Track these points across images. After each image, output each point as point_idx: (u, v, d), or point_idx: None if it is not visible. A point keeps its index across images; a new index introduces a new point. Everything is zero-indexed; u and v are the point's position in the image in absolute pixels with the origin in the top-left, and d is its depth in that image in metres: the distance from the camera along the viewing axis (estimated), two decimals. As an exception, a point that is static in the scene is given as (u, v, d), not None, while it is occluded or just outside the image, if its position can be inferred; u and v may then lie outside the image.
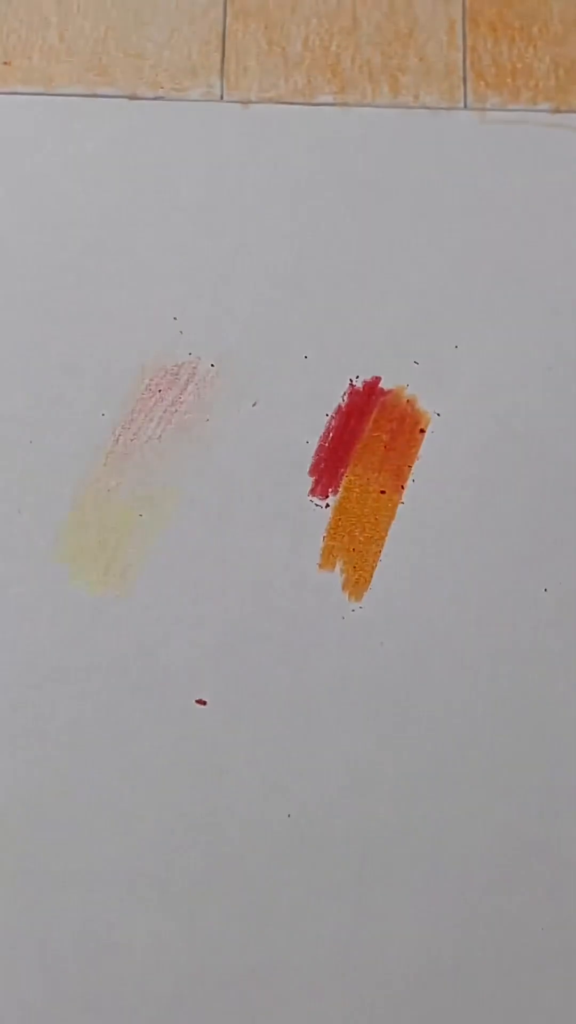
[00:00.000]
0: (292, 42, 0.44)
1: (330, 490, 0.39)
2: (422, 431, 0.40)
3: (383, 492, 0.39)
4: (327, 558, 0.39)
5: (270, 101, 0.43)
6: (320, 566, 0.38)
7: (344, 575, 0.38)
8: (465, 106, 0.43)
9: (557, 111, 0.43)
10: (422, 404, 0.40)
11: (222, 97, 0.43)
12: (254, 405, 0.40)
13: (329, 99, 0.43)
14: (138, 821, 0.36)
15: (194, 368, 0.40)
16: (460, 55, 0.44)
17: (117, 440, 0.39)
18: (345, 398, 0.40)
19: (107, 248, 0.41)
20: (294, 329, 0.41)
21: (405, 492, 0.39)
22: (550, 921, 0.36)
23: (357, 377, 0.40)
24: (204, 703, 0.37)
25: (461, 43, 0.44)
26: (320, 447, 0.40)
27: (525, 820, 0.36)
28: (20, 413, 0.39)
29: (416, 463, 0.40)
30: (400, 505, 0.39)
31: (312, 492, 0.39)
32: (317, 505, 0.39)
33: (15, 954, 0.35)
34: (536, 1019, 0.35)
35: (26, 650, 0.37)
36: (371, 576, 0.38)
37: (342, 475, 0.39)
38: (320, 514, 0.39)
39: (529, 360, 0.40)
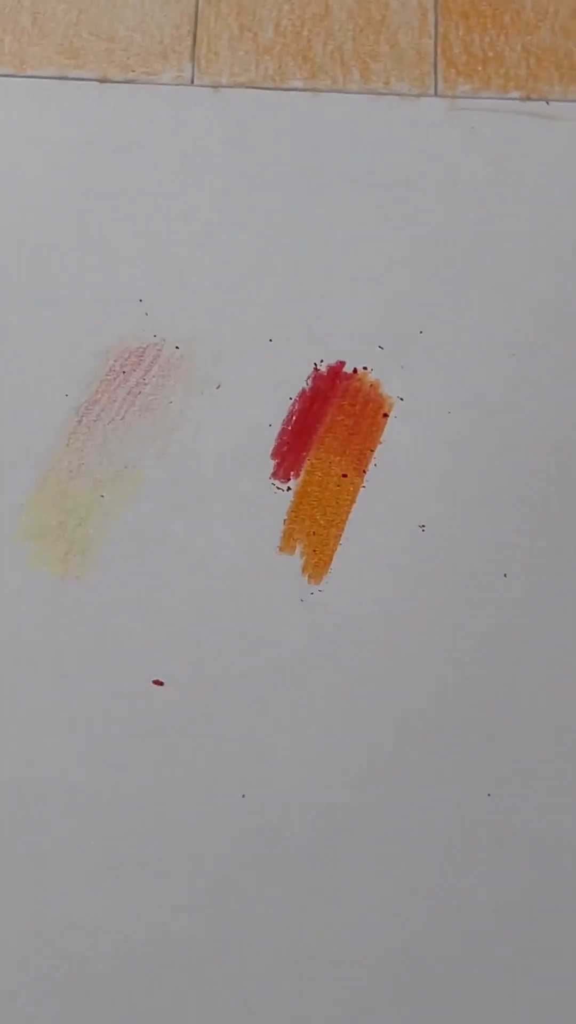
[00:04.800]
0: (264, 27, 0.44)
1: (292, 473, 0.39)
2: (385, 416, 0.40)
3: (345, 476, 0.39)
4: (287, 541, 0.39)
5: (241, 86, 0.43)
6: (280, 549, 0.38)
7: (304, 558, 0.38)
8: (435, 93, 0.43)
9: (527, 99, 0.43)
10: (386, 389, 0.40)
11: (193, 81, 0.43)
12: (218, 388, 0.40)
13: (300, 85, 0.43)
14: (92, 800, 0.36)
15: (159, 350, 0.40)
16: (432, 43, 0.44)
17: (80, 421, 0.39)
18: (309, 382, 0.40)
19: (75, 230, 0.41)
20: (260, 313, 0.41)
21: (367, 476, 0.39)
22: (505, 903, 0.36)
23: (321, 361, 0.40)
24: (161, 683, 0.37)
25: (433, 31, 0.44)
26: (283, 430, 0.40)
27: (481, 802, 0.36)
28: (-17, 393, 0.40)
29: (378, 448, 0.40)
30: (362, 489, 0.39)
31: (274, 475, 0.39)
32: (279, 488, 0.39)
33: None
34: (493, 1001, 0.35)
35: (-15, 629, 0.38)
36: (331, 559, 0.38)
37: (304, 459, 0.39)
38: (281, 497, 0.39)
39: (493, 346, 0.40)
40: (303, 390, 0.40)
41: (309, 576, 0.38)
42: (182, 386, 0.40)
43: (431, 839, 0.36)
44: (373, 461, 0.39)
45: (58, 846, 0.36)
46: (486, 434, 0.40)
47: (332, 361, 0.40)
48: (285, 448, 0.39)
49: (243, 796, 0.36)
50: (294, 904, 0.36)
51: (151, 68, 0.43)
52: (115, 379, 0.40)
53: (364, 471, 0.39)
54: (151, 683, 0.37)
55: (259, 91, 0.43)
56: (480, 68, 0.44)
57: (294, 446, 0.39)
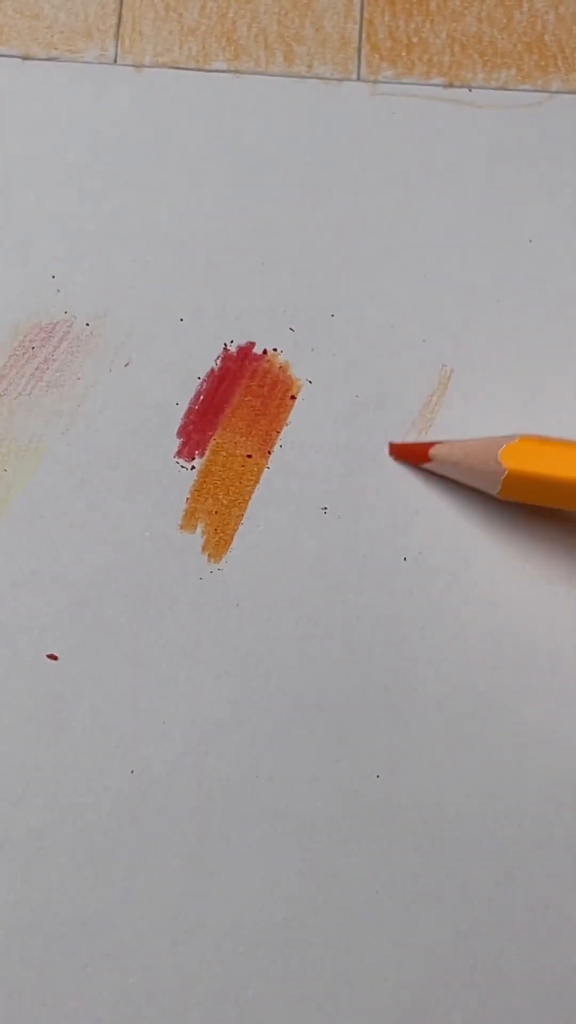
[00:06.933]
0: (189, 8, 0.44)
1: (197, 452, 0.39)
2: (293, 398, 0.40)
3: (249, 456, 0.39)
4: (188, 519, 0.39)
5: (163, 66, 0.43)
6: (181, 527, 0.38)
7: (205, 537, 0.38)
8: (358, 78, 0.43)
9: (450, 86, 0.43)
10: (295, 371, 0.40)
11: (116, 60, 0.43)
12: (126, 365, 0.40)
13: (223, 66, 0.43)
14: (-19, 772, 0.36)
15: (68, 326, 0.40)
16: (357, 27, 0.44)
17: (-13, 395, 0.39)
18: (218, 362, 0.40)
19: (-8, 206, 0.41)
20: (172, 292, 0.41)
21: (271, 457, 0.39)
22: (388, 883, 0.36)
23: (232, 342, 0.40)
24: (55, 658, 0.37)
25: (358, 15, 0.44)
26: (189, 409, 0.40)
27: (370, 783, 0.36)
28: None
29: (285, 429, 0.40)
30: (266, 470, 0.39)
31: (178, 454, 0.39)
32: (183, 467, 0.39)
33: None
34: (371, 978, 0.35)
35: None
36: (232, 538, 0.38)
37: (210, 438, 0.39)
38: (185, 476, 0.39)
39: (404, 331, 0.40)
40: (212, 370, 0.40)
41: (209, 555, 0.38)
42: (91, 362, 0.40)
43: (319, 819, 0.36)
44: (279, 442, 0.39)
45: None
46: (392, 418, 0.40)
47: (242, 342, 0.40)
48: (191, 427, 0.39)
49: (132, 772, 0.36)
50: (178, 879, 0.36)
51: (74, 46, 0.43)
52: (24, 354, 0.40)
53: (269, 452, 0.39)
54: (45, 657, 0.37)
55: (181, 71, 0.43)
56: (404, 54, 0.44)
57: (200, 425, 0.39)
